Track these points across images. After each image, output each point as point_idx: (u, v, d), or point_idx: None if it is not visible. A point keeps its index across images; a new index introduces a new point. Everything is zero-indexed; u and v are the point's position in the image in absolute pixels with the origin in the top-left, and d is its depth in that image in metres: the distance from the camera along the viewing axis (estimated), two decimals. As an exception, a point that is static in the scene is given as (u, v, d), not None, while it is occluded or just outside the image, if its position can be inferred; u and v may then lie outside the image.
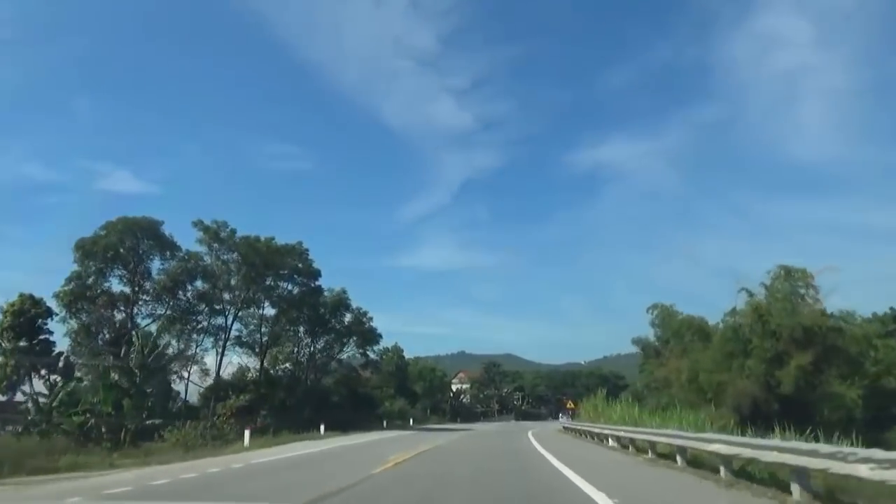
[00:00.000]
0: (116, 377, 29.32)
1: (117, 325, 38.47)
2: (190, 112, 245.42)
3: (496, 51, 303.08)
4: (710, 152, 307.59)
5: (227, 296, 43.19)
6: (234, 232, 41.68)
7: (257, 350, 44.62)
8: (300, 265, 45.52)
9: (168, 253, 40.73)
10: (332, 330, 46.98)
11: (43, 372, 33.91)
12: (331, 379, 50.19)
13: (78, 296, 36.04)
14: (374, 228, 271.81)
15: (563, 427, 51.91)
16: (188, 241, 42.41)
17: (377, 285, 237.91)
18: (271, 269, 44.21)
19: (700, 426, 22.98)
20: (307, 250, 46.36)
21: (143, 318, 39.99)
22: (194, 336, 42.92)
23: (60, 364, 34.62)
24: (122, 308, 38.97)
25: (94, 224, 38.00)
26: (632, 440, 20.30)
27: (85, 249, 36.29)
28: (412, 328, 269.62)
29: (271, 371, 46.04)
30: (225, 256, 42.09)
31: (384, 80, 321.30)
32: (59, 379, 31.51)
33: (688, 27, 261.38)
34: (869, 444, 11.99)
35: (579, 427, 36.39)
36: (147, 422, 26.86)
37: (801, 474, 8.15)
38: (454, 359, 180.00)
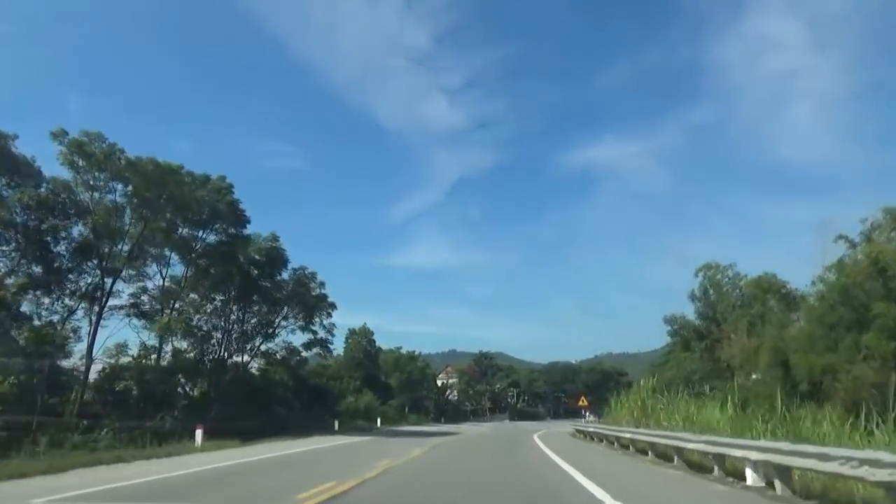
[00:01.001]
0: None
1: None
2: (181, 109, 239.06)
3: (489, 50, 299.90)
4: (701, 153, 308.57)
5: (115, 247, 30.36)
6: (116, 149, 28.62)
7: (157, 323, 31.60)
8: (221, 207, 32.77)
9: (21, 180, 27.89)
10: (265, 295, 33.96)
11: None
12: (260, 364, 37.31)
13: None
14: (365, 227, 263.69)
15: (576, 430, 40.46)
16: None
17: (368, 284, 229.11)
18: (179, 209, 31.41)
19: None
20: (231, 187, 33.61)
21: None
22: (66, 302, 30.05)
23: None
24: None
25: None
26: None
27: None
28: (403, 327, 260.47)
29: (183, 352, 33.15)
30: (103, 186, 29.16)
31: (378, 79, 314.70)
32: None
33: (681, 28, 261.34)
34: None
35: (608, 432, 24.38)
36: None
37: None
38: (444, 357, 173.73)
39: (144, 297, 32.62)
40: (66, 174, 28.60)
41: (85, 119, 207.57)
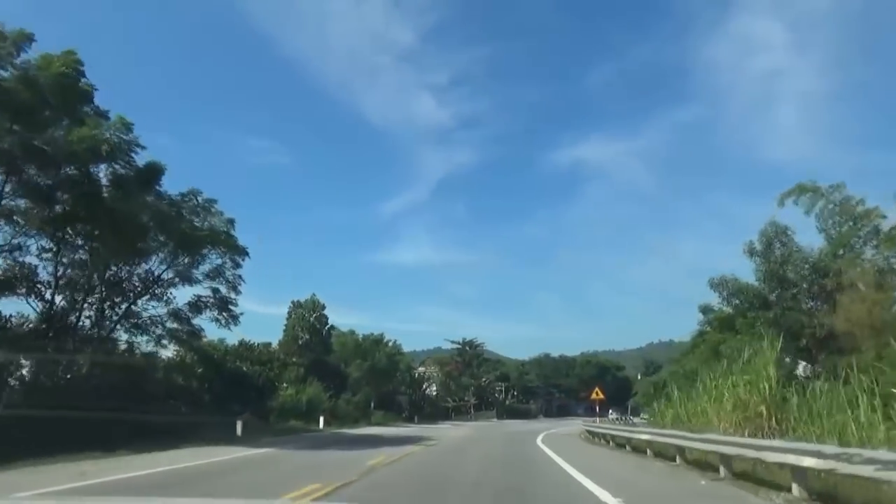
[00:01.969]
0: None
1: None
2: (165, 105, 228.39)
3: (476, 48, 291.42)
4: (688, 153, 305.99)
5: None
6: None
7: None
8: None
9: None
10: (118, 221, 21.14)
11: None
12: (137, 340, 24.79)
13: None
14: (352, 224, 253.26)
15: (588, 431, 30.54)
16: None
17: (354, 281, 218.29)
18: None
19: None
20: (81, 65, 21.01)
21: None
22: None
23: None
24: None
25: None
26: None
27: None
28: (388, 324, 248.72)
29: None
30: None
31: (364, 76, 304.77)
32: None
33: (667, 28, 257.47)
34: None
35: (650, 437, 13.01)
36: None
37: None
38: (430, 354, 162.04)
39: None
40: None
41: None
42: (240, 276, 25.56)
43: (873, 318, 19.83)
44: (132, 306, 24.41)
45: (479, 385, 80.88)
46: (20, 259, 21.18)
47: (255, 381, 33.12)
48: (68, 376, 21.77)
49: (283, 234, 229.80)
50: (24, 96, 17.92)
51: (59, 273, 22.17)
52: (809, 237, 29.82)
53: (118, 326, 24.56)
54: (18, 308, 22.11)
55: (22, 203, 20.12)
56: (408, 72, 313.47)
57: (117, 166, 21.37)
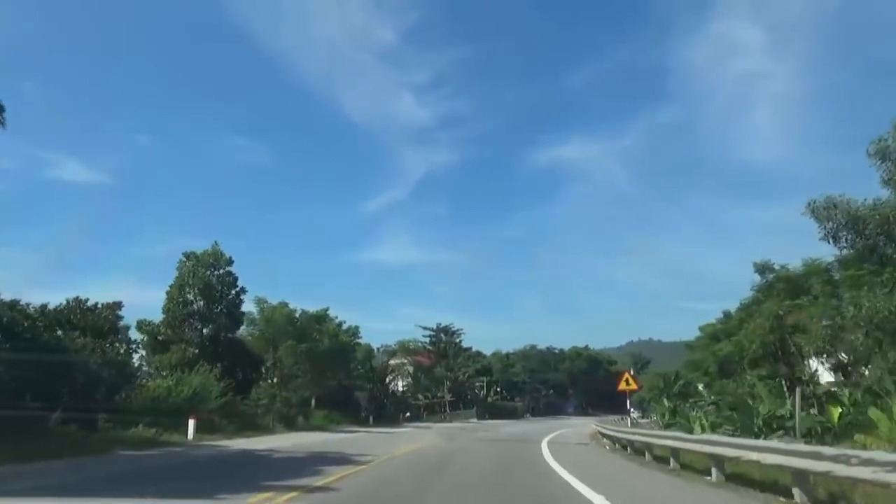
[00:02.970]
0: None
1: None
2: (143, 101, 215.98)
3: (457, 49, 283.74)
4: (667, 154, 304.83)
5: None
6: None
7: None
8: None
9: None
10: None
11: None
12: None
13: None
14: (332, 223, 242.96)
15: (609, 437, 22.44)
16: None
17: (333, 280, 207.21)
18: None
19: None
20: None
21: None
22: None
23: None
24: None
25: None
26: None
27: None
28: (369, 324, 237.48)
29: None
30: None
31: (345, 74, 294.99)
32: None
33: (647, 31, 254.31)
34: None
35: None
36: None
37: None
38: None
39: None
40: None
41: (41, 111, 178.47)
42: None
43: None
44: None
45: (457, 380, 68.51)
46: None
47: (90, 362, 20.50)
48: None
49: (261, 233, 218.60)
50: None
51: None
52: None
53: None
54: None
55: None
56: (389, 71, 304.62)
57: None
